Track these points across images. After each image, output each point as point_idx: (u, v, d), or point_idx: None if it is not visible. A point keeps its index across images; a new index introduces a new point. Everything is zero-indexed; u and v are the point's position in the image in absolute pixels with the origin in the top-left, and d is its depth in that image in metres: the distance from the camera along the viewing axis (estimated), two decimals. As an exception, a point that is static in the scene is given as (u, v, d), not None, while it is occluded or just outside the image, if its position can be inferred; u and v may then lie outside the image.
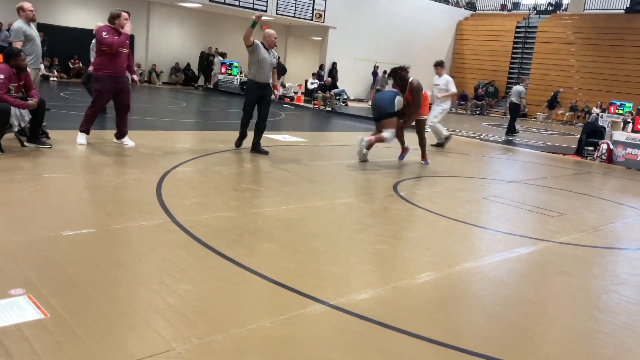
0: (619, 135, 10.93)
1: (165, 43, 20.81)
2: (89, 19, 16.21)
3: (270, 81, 7.59)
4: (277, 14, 20.30)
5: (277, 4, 20.17)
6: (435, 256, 4.08)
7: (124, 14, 6.85)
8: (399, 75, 8.02)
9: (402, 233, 4.73)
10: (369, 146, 7.82)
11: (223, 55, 21.48)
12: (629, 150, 10.38)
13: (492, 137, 13.74)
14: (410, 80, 7.96)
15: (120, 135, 7.16)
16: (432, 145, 10.13)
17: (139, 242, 3.73)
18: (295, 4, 20.66)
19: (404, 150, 8.51)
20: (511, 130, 14.75)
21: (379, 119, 7.91)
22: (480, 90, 24.30)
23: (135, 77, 7.39)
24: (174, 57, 21.17)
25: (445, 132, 10.60)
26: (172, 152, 7.16)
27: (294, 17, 20.86)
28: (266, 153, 7.60)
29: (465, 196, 6.45)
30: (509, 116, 15.53)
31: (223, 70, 20.61)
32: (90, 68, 8.15)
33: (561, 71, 24.01)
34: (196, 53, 21.73)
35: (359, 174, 7.05)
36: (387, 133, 7.77)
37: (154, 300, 2.85)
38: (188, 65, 21.70)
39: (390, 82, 8.31)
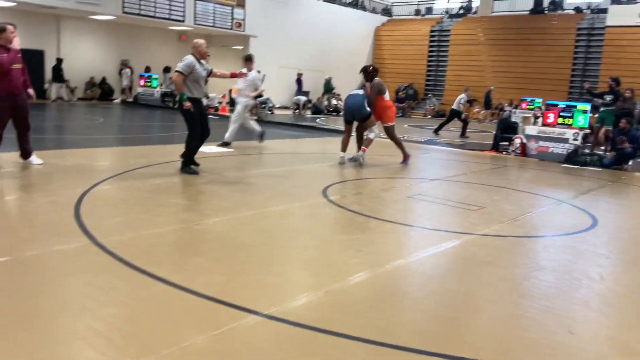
0: (531, 130, 11.59)
1: (79, 57, 19.91)
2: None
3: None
4: (195, 24, 19.97)
5: (195, 14, 19.86)
6: (366, 257, 4.14)
7: (10, 27, 6.32)
8: (368, 71, 8.90)
9: (332, 236, 4.77)
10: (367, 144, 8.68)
11: (125, 64, 20.66)
12: (541, 143, 11.03)
13: (415, 138, 14.17)
14: (375, 78, 8.80)
15: (25, 154, 6.75)
16: (219, 145, 9.70)
17: (57, 268, 3.53)
18: (214, 13, 20.42)
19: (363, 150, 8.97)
20: (437, 130, 15.41)
21: (352, 122, 8.75)
22: (400, 93, 25.03)
23: (30, 91, 6.76)
24: (88, 72, 20.31)
25: (258, 128, 10.41)
26: (90, 171, 6.85)
27: (214, 26, 20.61)
28: (196, 173, 6.99)
29: (392, 196, 6.61)
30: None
31: (142, 82, 20.01)
32: None
33: (475, 71, 25.18)
34: (113, 66, 20.96)
35: (288, 181, 7.05)
36: (372, 134, 8.69)
37: (77, 328, 2.71)
38: (104, 79, 20.90)
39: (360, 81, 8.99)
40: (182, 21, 19.64)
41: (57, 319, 2.81)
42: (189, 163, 7.02)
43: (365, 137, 8.82)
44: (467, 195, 6.91)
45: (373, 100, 8.75)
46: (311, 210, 5.61)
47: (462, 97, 15.12)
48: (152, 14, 18.72)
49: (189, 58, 6.79)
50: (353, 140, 8.95)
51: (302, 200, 5.91)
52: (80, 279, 3.33)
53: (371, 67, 9.06)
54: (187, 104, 6.66)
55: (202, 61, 6.92)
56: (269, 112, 19.05)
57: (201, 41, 6.98)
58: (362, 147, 8.79)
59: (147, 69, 20.69)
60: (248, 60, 9.83)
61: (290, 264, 3.90)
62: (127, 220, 4.71)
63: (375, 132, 8.74)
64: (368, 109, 8.58)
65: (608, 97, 11.52)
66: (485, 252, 4.48)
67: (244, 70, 8.98)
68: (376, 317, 3.09)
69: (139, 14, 18.40)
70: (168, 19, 19.22)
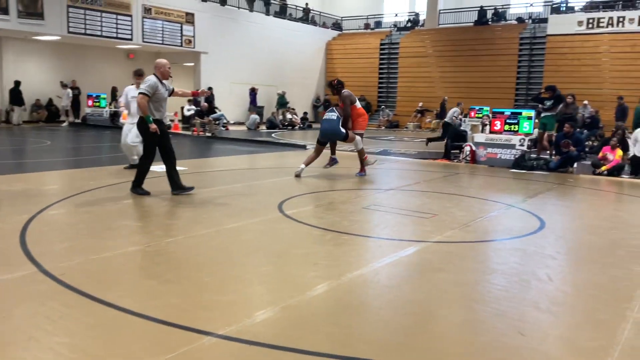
0: (479, 137, 11.94)
1: (23, 79, 19.26)
2: None
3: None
4: (144, 42, 19.71)
5: (143, 31, 19.60)
6: (322, 270, 4.15)
7: None
8: (333, 84, 9.40)
9: (289, 251, 4.75)
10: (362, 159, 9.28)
11: (65, 85, 20.13)
12: (489, 150, 11.37)
13: (369, 149, 14.34)
14: (342, 91, 9.22)
15: None
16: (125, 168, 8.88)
17: (2, 298, 3.38)
18: (163, 30, 20.21)
19: (331, 160, 9.64)
20: (432, 140, 15.09)
21: (326, 144, 9.38)
22: (354, 105, 25.32)
23: None
24: (34, 94, 19.68)
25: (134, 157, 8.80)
26: (37, 195, 6.62)
27: (162, 44, 20.39)
28: (147, 193, 6.84)
29: (347, 208, 6.65)
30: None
31: (90, 103, 19.54)
32: None
33: (425, 83, 25.78)
34: (60, 88, 20.39)
35: (244, 197, 7.00)
36: (359, 147, 9.24)
37: (21, 361, 2.59)
38: (50, 100, 20.30)
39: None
40: (130, 39, 19.36)
41: (3, 352, 2.68)
42: (140, 183, 6.86)
43: (359, 155, 9.35)
44: (421, 204, 7.03)
45: (348, 111, 9.11)
46: (267, 225, 5.59)
47: (456, 110, 15.36)
48: (98, 33, 18.39)
49: (152, 79, 6.58)
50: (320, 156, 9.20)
51: (257, 216, 5.88)
52: (26, 309, 3.20)
53: (335, 81, 9.42)
54: (154, 127, 6.49)
55: (165, 81, 6.73)
56: (224, 129, 18.93)
57: (164, 61, 6.78)
58: (361, 168, 9.33)
59: (114, 90, 20.30)
60: (138, 75, 8.51)
61: (246, 281, 3.86)
62: (75, 245, 4.57)
63: (359, 145, 9.22)
64: (343, 130, 9.05)
65: (548, 103, 11.99)
66: (439, 258, 4.56)
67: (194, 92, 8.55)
68: (333, 330, 3.10)
69: (84, 34, 18.04)
70: (115, 37, 18.91)
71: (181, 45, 20.94)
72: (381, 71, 27.46)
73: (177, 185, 6.93)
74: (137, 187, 6.84)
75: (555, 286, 3.99)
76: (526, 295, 3.74)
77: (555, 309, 3.53)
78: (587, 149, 13.72)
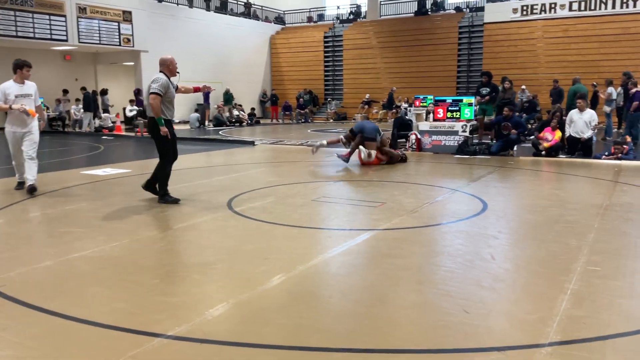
0: (424, 125, 12.20)
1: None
2: None
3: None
4: (80, 42, 19.03)
5: (79, 32, 18.92)
6: (272, 264, 4.16)
7: None
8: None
9: (239, 248, 4.72)
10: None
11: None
12: (434, 137, 11.65)
13: (317, 142, 14.40)
14: None
15: None
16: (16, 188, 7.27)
17: None
18: (99, 30, 19.57)
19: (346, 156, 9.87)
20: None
21: (356, 136, 9.75)
22: (301, 99, 25.37)
23: None
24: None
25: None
26: (-29, 207, 6.31)
27: (100, 44, 19.75)
28: (178, 201, 6.46)
29: (297, 201, 6.67)
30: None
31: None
32: None
33: (370, 74, 26.09)
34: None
35: (191, 197, 6.90)
36: (363, 153, 9.58)
37: (-41, 378, 2.49)
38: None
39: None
40: (65, 40, 18.65)
41: None
42: (166, 192, 6.46)
43: (362, 151, 9.66)
44: (369, 193, 7.14)
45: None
46: (216, 224, 5.54)
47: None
48: (31, 34, 17.63)
49: (163, 77, 6.16)
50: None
51: (206, 215, 5.82)
52: (-38, 326, 3.07)
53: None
54: (165, 130, 6.13)
55: (172, 79, 6.34)
56: (169, 128, 18.55)
57: (169, 57, 6.38)
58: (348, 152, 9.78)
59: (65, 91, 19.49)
60: (19, 67, 7.02)
61: (195, 281, 3.82)
62: (16, 255, 4.39)
63: (367, 154, 9.61)
64: (378, 138, 9.73)
65: (484, 91, 12.38)
66: (387, 245, 4.66)
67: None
68: (285, 322, 3.12)
69: (16, 36, 17.25)
70: (50, 39, 18.18)
71: (120, 45, 20.35)
72: (326, 64, 27.60)
73: (154, 189, 6.57)
74: (166, 196, 6.43)
75: (498, 264, 4.15)
76: (470, 275, 3.88)
77: (497, 285, 3.68)
78: (526, 132, 14.28)
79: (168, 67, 6.29)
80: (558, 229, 5.15)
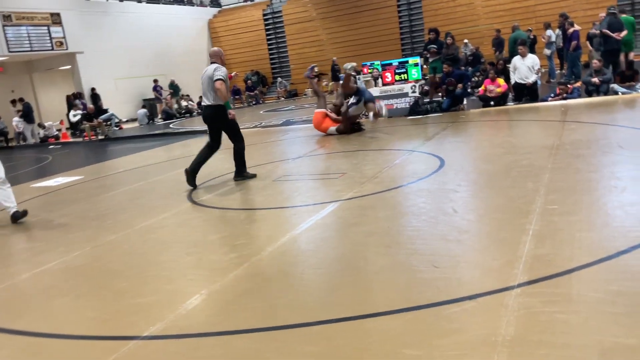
0: (374, 91, 12.21)
1: None
2: None
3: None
4: (10, 51, 18.15)
5: (7, 40, 18.02)
6: (241, 250, 4.13)
7: None
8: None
9: (205, 238, 4.67)
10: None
11: None
12: (386, 102, 11.68)
13: (272, 122, 14.31)
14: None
15: None
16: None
17: None
18: (29, 36, 18.70)
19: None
20: None
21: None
22: (249, 81, 25.01)
23: None
24: None
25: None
26: None
27: (32, 51, 18.90)
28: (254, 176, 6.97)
29: (258, 184, 6.61)
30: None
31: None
32: None
33: (315, 47, 25.86)
34: None
35: (150, 195, 6.76)
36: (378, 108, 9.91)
37: None
38: None
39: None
40: (-6, 51, 17.77)
41: None
42: (244, 170, 6.95)
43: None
44: (329, 166, 7.15)
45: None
46: (179, 218, 5.45)
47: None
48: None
49: (222, 66, 6.59)
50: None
51: (167, 211, 5.71)
52: None
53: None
54: (232, 113, 6.64)
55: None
56: (117, 128, 18.07)
57: (217, 48, 6.89)
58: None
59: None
60: None
61: (165, 278, 3.76)
62: (-28, 281, 4.22)
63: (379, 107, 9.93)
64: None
65: (431, 48, 12.48)
66: (352, 214, 4.69)
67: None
68: (260, 304, 3.11)
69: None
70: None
71: (52, 49, 19.52)
72: (269, 42, 27.19)
73: (195, 179, 6.82)
74: (244, 173, 6.91)
75: (461, 216, 4.23)
76: (436, 231, 3.95)
77: (462, 237, 3.76)
78: (473, 85, 14.51)
79: (220, 58, 6.72)
80: (514, 174, 5.28)
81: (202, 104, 6.95)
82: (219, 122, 6.73)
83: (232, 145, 6.95)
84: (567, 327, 2.42)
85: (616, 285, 2.74)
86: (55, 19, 19.64)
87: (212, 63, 6.70)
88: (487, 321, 2.55)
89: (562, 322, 2.46)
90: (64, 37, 19.82)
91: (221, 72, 6.49)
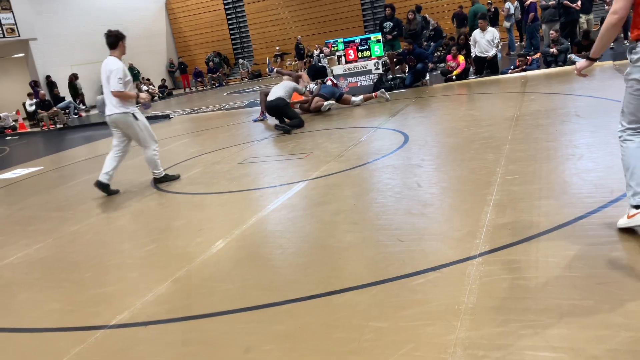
0: (338, 69, 12.18)
1: None
2: None
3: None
4: (-43, 40, 17.37)
5: (-47, 28, 17.22)
6: (207, 234, 4.10)
7: None
8: None
9: (170, 224, 4.62)
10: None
11: None
12: (350, 79, 11.67)
13: (236, 104, 14.14)
14: None
15: None
16: None
17: None
18: (-24, 23, 17.90)
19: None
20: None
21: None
22: (211, 63, 24.60)
23: None
24: None
25: None
26: None
27: (-19, 38, 18.14)
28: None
29: (223, 167, 6.56)
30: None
31: None
32: None
33: (277, 25, 25.55)
34: None
35: (113, 182, 6.61)
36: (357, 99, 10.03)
37: None
38: None
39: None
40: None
41: None
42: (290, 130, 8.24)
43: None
44: (295, 146, 7.12)
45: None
46: (143, 205, 5.37)
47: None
48: None
49: None
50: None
51: (131, 198, 5.62)
52: None
53: None
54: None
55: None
56: (76, 116, 17.59)
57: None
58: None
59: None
60: None
61: (130, 266, 3.72)
62: None
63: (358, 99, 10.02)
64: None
65: (388, 25, 12.46)
66: (319, 193, 4.70)
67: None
68: (229, 287, 3.11)
69: None
70: None
71: (4, 37, 18.74)
72: (230, 22, 26.73)
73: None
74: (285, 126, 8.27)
75: (424, 190, 4.29)
76: (400, 205, 3.99)
77: (426, 210, 3.82)
78: (435, 60, 14.59)
79: None
80: (476, 146, 5.37)
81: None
82: (283, 113, 8.56)
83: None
84: (527, 292, 2.50)
85: (573, 250, 2.83)
86: (5, 4, 18.80)
87: None
88: (450, 291, 2.61)
89: (521, 288, 2.54)
90: (15, 24, 19.02)
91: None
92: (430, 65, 12.58)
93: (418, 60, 11.08)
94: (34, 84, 18.85)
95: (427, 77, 11.35)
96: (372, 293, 2.74)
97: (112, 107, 5.85)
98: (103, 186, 5.89)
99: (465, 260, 2.88)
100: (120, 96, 5.74)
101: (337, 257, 3.30)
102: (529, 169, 4.32)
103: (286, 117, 8.62)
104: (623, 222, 2.92)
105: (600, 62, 10.14)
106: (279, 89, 8.83)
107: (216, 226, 4.28)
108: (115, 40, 6.08)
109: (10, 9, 18.92)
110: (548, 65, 10.57)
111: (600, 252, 2.77)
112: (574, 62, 10.23)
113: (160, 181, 6.11)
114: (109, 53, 6.09)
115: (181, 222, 4.59)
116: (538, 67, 10.61)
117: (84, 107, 19.83)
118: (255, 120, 10.29)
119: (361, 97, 10.04)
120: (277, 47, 24.66)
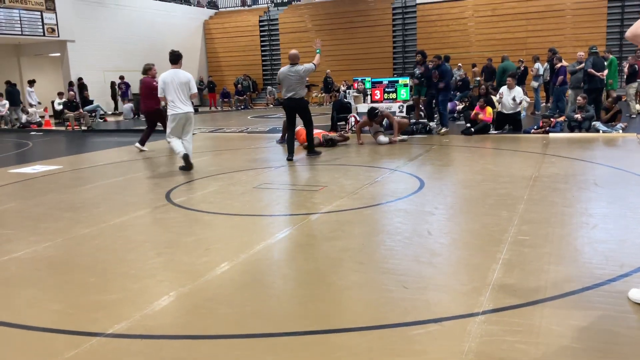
0: (362, 108, 12.32)
1: None
2: None
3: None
4: (0, 34, 17.93)
5: (-3, 22, 17.80)
6: (214, 254, 4.12)
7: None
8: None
9: (179, 240, 4.65)
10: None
11: None
12: (373, 118, 11.76)
13: (258, 129, 14.31)
14: None
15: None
16: None
17: None
18: (20, 20, 18.49)
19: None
20: None
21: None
22: (239, 85, 25.02)
23: None
24: None
25: None
26: None
27: (22, 34, 18.69)
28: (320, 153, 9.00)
29: (238, 190, 6.61)
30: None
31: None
32: None
33: (308, 58, 25.71)
34: None
35: (127, 191, 6.71)
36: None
37: None
38: None
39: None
40: (-17, 32, 17.54)
41: None
42: (313, 147, 9.05)
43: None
44: (310, 177, 7.18)
45: None
46: (154, 217, 5.42)
47: None
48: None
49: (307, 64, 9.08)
50: None
51: (143, 209, 5.68)
52: None
53: None
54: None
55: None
56: (101, 120, 17.91)
57: (296, 51, 9.44)
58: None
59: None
60: None
61: (134, 276, 3.74)
62: (-63, 263, 4.14)
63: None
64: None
65: (418, 71, 12.63)
66: (329, 228, 4.71)
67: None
68: (229, 311, 3.11)
69: None
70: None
71: (44, 35, 19.33)
72: (263, 49, 27.28)
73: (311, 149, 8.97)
74: (313, 150, 8.97)
75: (434, 239, 4.29)
76: (409, 251, 3.99)
77: (434, 260, 3.81)
78: (460, 111, 14.67)
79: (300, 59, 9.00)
80: (491, 202, 5.37)
81: (288, 96, 8.95)
82: (301, 109, 8.87)
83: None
84: (526, 357, 2.47)
85: (577, 320, 2.80)
86: (49, 5, 19.46)
87: (293, 64, 9.10)
88: (449, 345, 2.59)
89: (521, 352, 2.50)
90: (57, 25, 19.63)
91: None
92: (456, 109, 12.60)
93: (441, 76, 11.10)
94: (70, 85, 19.30)
95: (443, 129, 11.26)
96: (371, 337, 2.73)
97: (188, 107, 7.92)
98: (188, 157, 7.85)
99: (468, 317, 2.86)
100: (196, 97, 7.53)
101: (339, 295, 3.30)
102: (541, 232, 4.30)
103: (300, 116, 9.00)
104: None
105: (624, 132, 10.15)
106: (293, 83, 9.22)
107: (223, 247, 4.30)
108: (179, 57, 8.11)
109: (54, 10, 19.56)
110: (571, 130, 10.59)
111: (604, 325, 2.73)
112: (598, 130, 10.24)
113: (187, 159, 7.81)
114: (170, 67, 7.99)
115: (190, 239, 4.62)
116: (561, 131, 10.63)
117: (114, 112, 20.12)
118: (278, 142, 10.83)
119: (387, 138, 10.26)
120: (307, 78, 25.02)
